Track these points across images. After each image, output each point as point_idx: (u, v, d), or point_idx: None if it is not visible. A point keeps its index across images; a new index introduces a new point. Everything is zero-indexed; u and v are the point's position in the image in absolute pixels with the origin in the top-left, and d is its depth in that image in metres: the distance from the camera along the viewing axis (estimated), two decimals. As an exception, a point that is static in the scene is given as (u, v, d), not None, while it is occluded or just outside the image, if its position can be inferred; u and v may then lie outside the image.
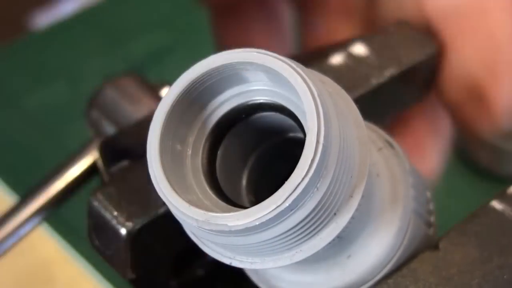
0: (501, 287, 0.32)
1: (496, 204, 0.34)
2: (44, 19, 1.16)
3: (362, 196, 0.28)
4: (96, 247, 0.37)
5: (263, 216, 0.25)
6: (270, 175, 0.30)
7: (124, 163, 0.40)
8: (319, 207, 0.26)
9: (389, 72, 0.40)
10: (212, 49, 0.27)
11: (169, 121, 0.27)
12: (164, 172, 0.27)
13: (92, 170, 0.48)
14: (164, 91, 0.45)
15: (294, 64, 0.26)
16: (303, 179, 0.25)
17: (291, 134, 0.30)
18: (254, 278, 0.34)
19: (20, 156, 0.80)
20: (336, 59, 0.40)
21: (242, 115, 0.29)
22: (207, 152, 0.29)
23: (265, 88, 0.28)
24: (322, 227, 0.27)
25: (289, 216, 0.26)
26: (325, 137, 0.25)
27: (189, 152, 0.28)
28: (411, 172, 0.34)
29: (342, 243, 0.31)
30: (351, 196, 0.28)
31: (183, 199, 0.26)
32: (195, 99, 0.28)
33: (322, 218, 0.27)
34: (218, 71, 0.27)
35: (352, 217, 0.28)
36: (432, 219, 0.36)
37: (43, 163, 0.60)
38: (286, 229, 0.26)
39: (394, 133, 0.31)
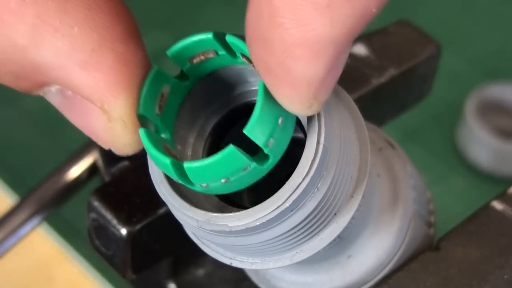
0: (501, 287, 0.32)
1: (496, 204, 0.34)
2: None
3: (363, 197, 0.28)
4: (96, 247, 0.37)
5: (264, 216, 0.25)
6: (271, 175, 0.30)
7: (124, 163, 0.40)
8: (320, 207, 0.26)
9: (389, 72, 0.40)
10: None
11: None
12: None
13: (92, 170, 0.48)
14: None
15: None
16: (303, 179, 0.25)
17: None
18: (255, 278, 0.34)
19: (20, 156, 0.80)
20: (336, 59, 0.40)
21: (242, 115, 0.29)
22: (207, 153, 0.28)
23: (266, 88, 0.28)
24: (323, 228, 0.27)
25: (289, 217, 0.26)
26: (325, 137, 0.25)
27: (189, 152, 0.28)
28: (412, 173, 0.34)
29: (342, 243, 0.31)
30: (352, 197, 0.28)
31: (184, 199, 0.26)
32: (196, 99, 0.28)
33: (322, 219, 0.27)
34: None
35: (353, 217, 0.28)
36: (432, 219, 0.36)
37: (43, 163, 0.60)
38: (287, 230, 0.26)
39: None
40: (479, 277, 0.32)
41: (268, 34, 0.22)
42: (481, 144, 0.77)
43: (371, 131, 0.33)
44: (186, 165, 0.24)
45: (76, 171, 0.47)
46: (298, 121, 0.27)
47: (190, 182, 0.25)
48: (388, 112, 0.45)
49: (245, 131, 0.23)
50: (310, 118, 0.25)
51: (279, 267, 0.28)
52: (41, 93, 0.25)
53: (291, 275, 0.33)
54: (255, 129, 0.23)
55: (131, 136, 0.25)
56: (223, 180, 0.24)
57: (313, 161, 0.25)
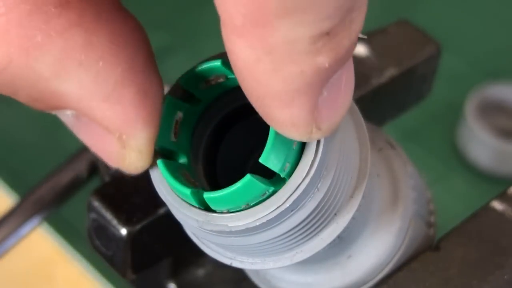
0: (501, 287, 0.32)
1: (496, 205, 0.34)
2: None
3: (363, 197, 0.28)
4: (96, 247, 0.37)
5: (264, 216, 0.25)
6: (271, 175, 0.30)
7: (124, 163, 0.40)
8: (320, 207, 0.26)
9: (389, 72, 0.40)
10: (212, 49, 0.27)
11: None
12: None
13: (92, 170, 0.48)
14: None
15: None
16: (303, 179, 0.25)
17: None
18: (255, 279, 0.34)
19: (20, 156, 0.80)
20: (336, 59, 0.40)
21: (243, 115, 0.29)
22: (207, 154, 0.28)
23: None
24: (323, 228, 0.27)
25: (289, 217, 0.26)
26: (325, 138, 0.25)
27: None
28: (412, 173, 0.34)
29: (342, 243, 0.31)
30: (352, 197, 0.28)
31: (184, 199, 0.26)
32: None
33: (322, 219, 0.27)
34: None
35: (353, 218, 0.28)
36: (432, 219, 0.36)
37: (43, 163, 0.60)
38: (287, 230, 0.26)
39: None
40: (479, 277, 0.32)
41: (242, 85, 0.22)
42: (481, 144, 0.77)
43: (371, 131, 0.33)
44: (206, 195, 0.25)
45: (76, 171, 0.47)
46: None
47: (211, 209, 0.25)
48: (388, 112, 0.45)
49: (261, 160, 0.24)
50: None
51: (279, 267, 0.28)
52: (54, 112, 0.25)
53: (291, 276, 0.33)
54: (271, 157, 0.24)
55: (144, 162, 0.25)
56: (243, 206, 0.25)
57: (313, 161, 0.25)
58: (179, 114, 0.27)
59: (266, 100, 0.22)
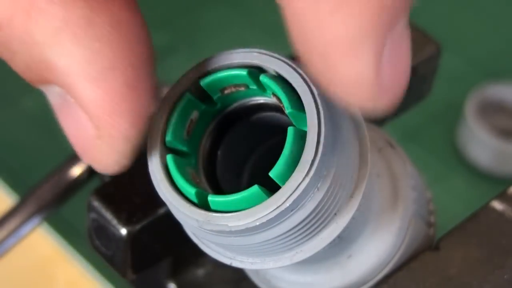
0: (501, 287, 0.32)
1: (496, 204, 0.34)
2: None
3: (363, 196, 0.28)
4: (96, 247, 0.37)
5: (264, 216, 0.25)
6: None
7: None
8: (320, 207, 0.26)
9: (389, 72, 0.40)
10: (212, 49, 0.27)
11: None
12: (164, 172, 0.27)
13: (92, 170, 0.48)
14: (164, 91, 0.44)
15: (294, 64, 0.26)
16: (303, 179, 0.25)
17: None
18: (255, 278, 0.34)
19: (20, 156, 0.80)
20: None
21: (242, 115, 0.29)
22: (207, 152, 0.29)
23: (266, 88, 0.28)
24: (323, 227, 0.27)
25: (289, 217, 0.26)
26: (325, 137, 0.25)
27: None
28: (412, 173, 0.34)
29: (342, 243, 0.31)
30: (352, 197, 0.28)
31: (184, 199, 0.26)
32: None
33: (322, 218, 0.27)
34: None
35: (353, 217, 0.28)
36: (432, 219, 0.36)
37: (43, 163, 0.60)
38: (287, 230, 0.26)
39: None
40: (479, 277, 0.32)
41: (300, 40, 0.22)
42: (481, 144, 0.77)
43: (371, 131, 0.33)
44: (210, 198, 0.25)
45: (76, 171, 0.47)
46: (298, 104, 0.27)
47: (211, 209, 0.26)
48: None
49: (271, 174, 0.25)
50: (309, 118, 0.25)
51: (279, 267, 0.28)
52: (43, 88, 0.25)
53: (291, 275, 0.33)
54: (281, 174, 0.25)
55: (113, 159, 0.25)
56: None
57: (313, 161, 0.25)
58: (195, 114, 0.27)
59: (329, 48, 0.22)
